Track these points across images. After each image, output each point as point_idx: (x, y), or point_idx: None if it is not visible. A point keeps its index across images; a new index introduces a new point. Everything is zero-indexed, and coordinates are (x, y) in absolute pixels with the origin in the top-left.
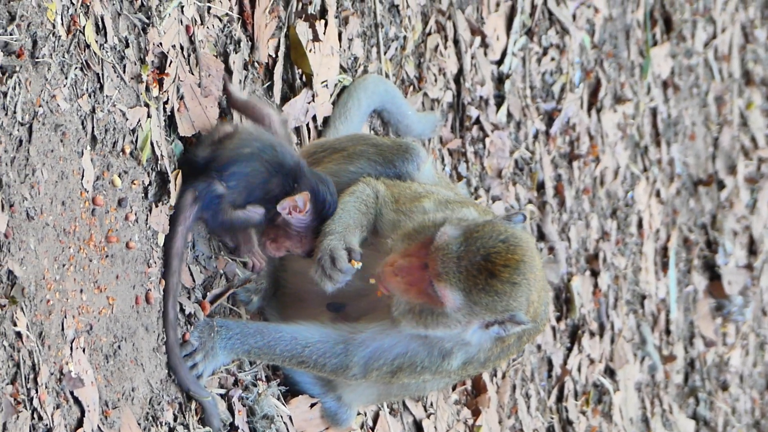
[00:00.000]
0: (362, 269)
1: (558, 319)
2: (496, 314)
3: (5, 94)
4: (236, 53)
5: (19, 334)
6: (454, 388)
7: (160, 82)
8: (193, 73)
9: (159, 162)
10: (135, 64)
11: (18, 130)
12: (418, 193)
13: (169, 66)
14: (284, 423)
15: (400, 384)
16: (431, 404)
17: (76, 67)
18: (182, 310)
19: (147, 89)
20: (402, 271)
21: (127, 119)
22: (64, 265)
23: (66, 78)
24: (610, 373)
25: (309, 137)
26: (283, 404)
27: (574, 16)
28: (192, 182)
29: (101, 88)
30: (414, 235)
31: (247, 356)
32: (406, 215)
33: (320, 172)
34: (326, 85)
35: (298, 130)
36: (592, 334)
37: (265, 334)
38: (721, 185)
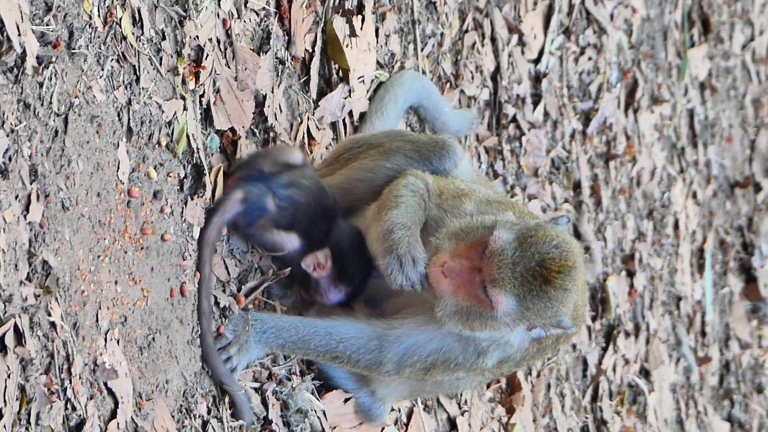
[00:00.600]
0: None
1: (593, 319)
2: (545, 319)
3: (41, 85)
4: (272, 47)
5: (53, 325)
6: (488, 386)
7: (197, 75)
8: (229, 67)
9: (195, 155)
10: (171, 56)
11: (54, 120)
12: (460, 190)
13: (206, 59)
14: (318, 418)
15: (433, 381)
16: (465, 401)
17: (112, 59)
18: (217, 303)
19: (183, 82)
20: (452, 273)
21: (163, 112)
22: (99, 257)
23: (102, 69)
24: (645, 373)
25: (345, 132)
26: (317, 399)
27: (611, 16)
28: (246, 185)
29: (137, 80)
30: (462, 236)
31: (282, 350)
32: (450, 213)
33: (352, 228)
34: (363, 81)
35: (334, 126)
36: (627, 335)
37: (300, 328)
38: (758, 188)
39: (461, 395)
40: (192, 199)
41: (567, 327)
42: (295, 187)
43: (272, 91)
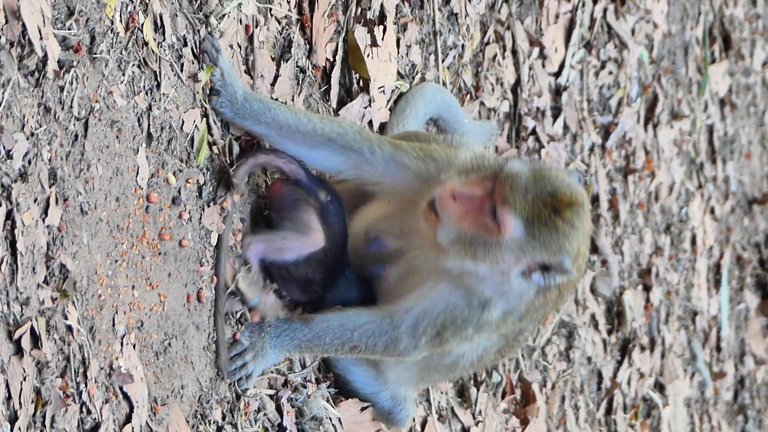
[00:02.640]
0: (398, 227)
1: (609, 332)
2: (548, 254)
3: (62, 89)
4: (293, 55)
5: (70, 328)
6: (503, 397)
7: None
8: (249, 74)
9: (214, 161)
10: (192, 63)
11: (74, 124)
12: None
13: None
14: (333, 425)
15: (444, 363)
16: (480, 412)
17: (133, 64)
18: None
19: (204, 89)
20: (462, 197)
21: (182, 118)
22: (116, 261)
23: (123, 75)
24: (659, 387)
25: None
26: (332, 406)
27: (633, 31)
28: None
29: (158, 85)
30: (473, 171)
31: (299, 351)
32: (455, 152)
33: (355, 279)
34: (383, 91)
35: None
36: (642, 348)
37: (313, 326)
38: None
39: (476, 405)
40: (209, 206)
41: (568, 270)
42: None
43: (292, 99)
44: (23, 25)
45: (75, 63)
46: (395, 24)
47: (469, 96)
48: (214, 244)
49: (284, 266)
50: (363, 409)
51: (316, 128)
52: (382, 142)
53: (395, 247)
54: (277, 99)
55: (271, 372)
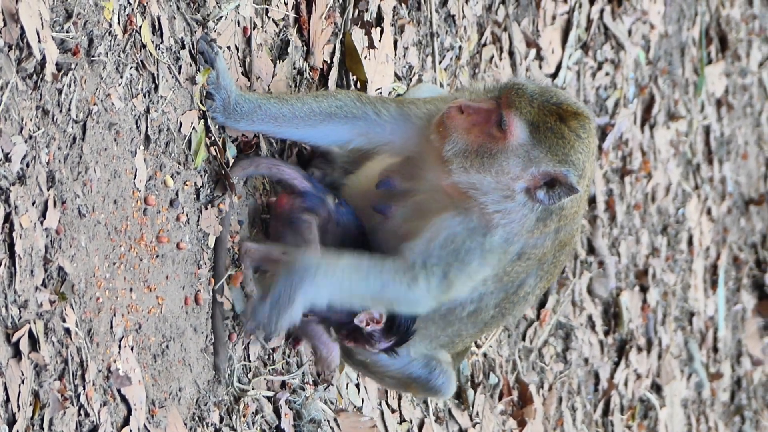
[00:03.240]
0: (408, 168)
1: (606, 333)
2: (554, 162)
3: (60, 91)
4: (291, 56)
5: (68, 331)
6: (500, 398)
7: None
8: (246, 76)
9: (211, 164)
10: (190, 65)
11: (72, 127)
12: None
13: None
14: (331, 428)
15: (455, 319)
16: (477, 413)
17: (131, 67)
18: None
19: (201, 91)
20: (469, 109)
21: (180, 120)
22: (114, 264)
23: (121, 77)
24: (656, 388)
25: None
26: (330, 409)
27: (629, 32)
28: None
29: (156, 88)
30: (482, 93)
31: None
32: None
33: None
34: (380, 92)
35: None
36: (639, 349)
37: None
38: None
39: (473, 406)
40: (207, 208)
41: (573, 184)
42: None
43: None
44: (21, 28)
45: (73, 66)
46: (392, 26)
47: None
48: (212, 246)
49: None
50: (359, 409)
51: (313, 108)
52: (385, 102)
53: (404, 188)
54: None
55: (269, 374)
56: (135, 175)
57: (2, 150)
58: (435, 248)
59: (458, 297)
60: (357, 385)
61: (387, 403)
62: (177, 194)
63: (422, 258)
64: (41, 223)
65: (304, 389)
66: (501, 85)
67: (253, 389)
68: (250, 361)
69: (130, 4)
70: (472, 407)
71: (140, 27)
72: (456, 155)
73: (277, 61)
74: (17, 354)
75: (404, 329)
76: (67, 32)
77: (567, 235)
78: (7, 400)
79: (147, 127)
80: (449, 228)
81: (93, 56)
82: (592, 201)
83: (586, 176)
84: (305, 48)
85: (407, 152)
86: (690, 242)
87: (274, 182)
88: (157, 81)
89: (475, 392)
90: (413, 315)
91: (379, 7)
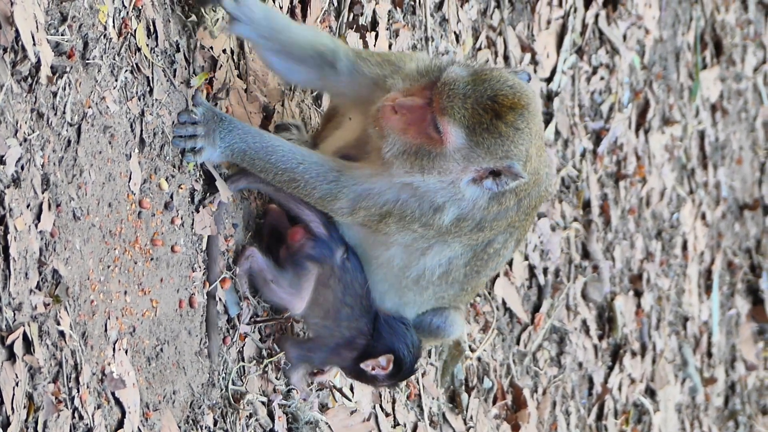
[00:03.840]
0: (359, 138)
1: (600, 338)
2: (495, 160)
3: (55, 94)
4: None
5: (62, 334)
6: (494, 402)
7: (210, 83)
8: (241, 78)
9: (205, 167)
10: (185, 68)
11: (67, 130)
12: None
13: (219, 69)
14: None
15: (402, 271)
16: (471, 417)
17: (126, 70)
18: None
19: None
20: (403, 109)
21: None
22: (108, 267)
23: (116, 80)
24: (650, 393)
25: None
26: (319, 413)
27: (624, 37)
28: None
29: (151, 91)
30: (417, 78)
31: (242, 159)
32: (409, 60)
33: (394, 322)
34: None
35: None
36: (633, 354)
37: (265, 138)
38: (767, 210)
39: (467, 410)
40: (198, 211)
41: (518, 173)
42: (359, 268)
43: (282, 104)
44: (16, 31)
45: (68, 69)
46: (387, 30)
47: None
48: (205, 249)
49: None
50: (352, 412)
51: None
52: (348, 52)
53: (360, 155)
54: (270, 102)
55: (262, 378)
56: (130, 178)
57: None
58: (377, 198)
59: (426, 264)
60: (351, 388)
61: (381, 406)
62: (172, 197)
63: (358, 192)
64: (36, 225)
65: (297, 392)
66: (431, 77)
67: (247, 392)
68: (244, 362)
69: (125, 7)
70: (466, 411)
71: (135, 30)
72: (395, 157)
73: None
74: (11, 357)
75: (408, 370)
76: (62, 35)
77: (534, 200)
78: (1, 403)
79: (142, 130)
80: (399, 197)
81: (88, 59)
82: (586, 205)
83: (532, 157)
84: None
85: (357, 114)
86: (684, 247)
87: (291, 216)
88: (151, 84)
89: (469, 396)
90: (417, 355)
91: (374, 11)
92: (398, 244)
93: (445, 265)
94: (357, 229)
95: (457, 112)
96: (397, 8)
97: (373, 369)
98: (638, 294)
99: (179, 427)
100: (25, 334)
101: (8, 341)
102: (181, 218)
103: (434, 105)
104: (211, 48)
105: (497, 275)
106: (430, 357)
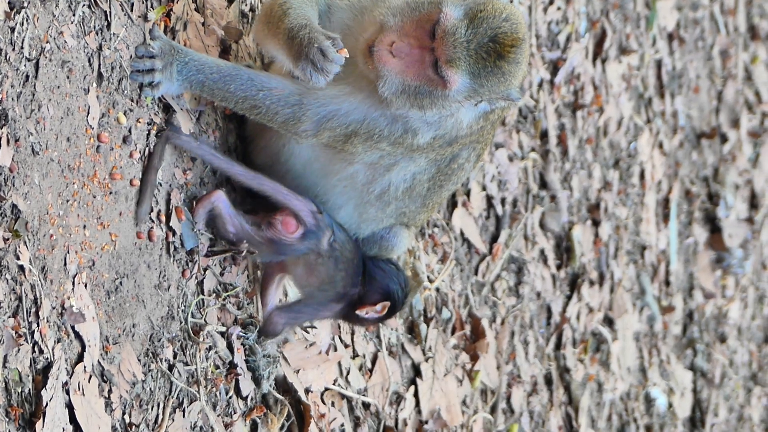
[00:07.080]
0: (356, 53)
1: (558, 267)
2: (497, 94)
3: (13, 30)
4: None
5: (21, 268)
6: (453, 332)
7: (168, 16)
8: (199, 12)
9: (163, 100)
10: (142, 2)
11: (25, 65)
12: None
13: (176, 3)
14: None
15: (368, 187)
16: (429, 348)
17: (83, 4)
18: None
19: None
20: (401, 53)
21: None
22: (67, 201)
23: (74, 15)
24: (608, 322)
25: None
26: (277, 347)
27: None
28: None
29: (108, 25)
30: (408, 12)
31: (201, 90)
32: None
33: (384, 264)
34: None
35: None
36: (591, 283)
37: (223, 68)
38: (724, 138)
39: (425, 341)
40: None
41: (515, 99)
42: (345, 236)
43: (236, 42)
44: None
45: (26, 4)
46: None
47: None
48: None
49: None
50: (310, 345)
51: None
52: None
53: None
54: (227, 38)
55: (220, 308)
56: (88, 113)
57: None
58: (342, 119)
59: (391, 179)
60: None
61: (340, 338)
62: (130, 131)
63: (322, 114)
64: None
65: (255, 326)
66: (430, 12)
67: (207, 323)
68: (204, 296)
69: None
70: (425, 341)
71: None
72: (393, 95)
73: (230, 2)
74: None
75: (400, 308)
76: None
77: (502, 113)
78: None
79: (100, 65)
80: (367, 116)
81: None
82: (543, 135)
83: (524, 75)
84: None
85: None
86: (642, 176)
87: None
88: (109, 18)
89: (428, 327)
90: (407, 291)
91: None
92: (362, 162)
93: (410, 180)
94: (314, 145)
95: (463, 61)
96: None
97: (368, 314)
98: (596, 223)
99: (139, 360)
100: None
101: None
102: (140, 152)
103: (437, 54)
104: None
105: (455, 205)
106: None
